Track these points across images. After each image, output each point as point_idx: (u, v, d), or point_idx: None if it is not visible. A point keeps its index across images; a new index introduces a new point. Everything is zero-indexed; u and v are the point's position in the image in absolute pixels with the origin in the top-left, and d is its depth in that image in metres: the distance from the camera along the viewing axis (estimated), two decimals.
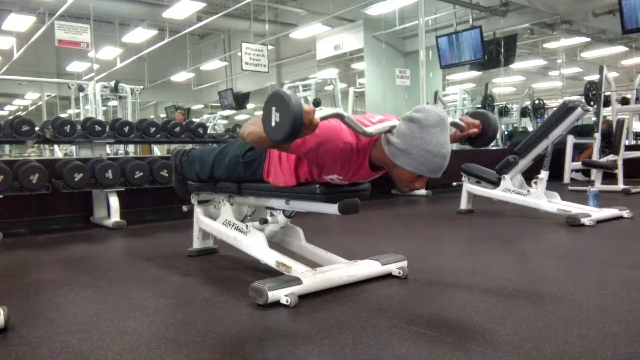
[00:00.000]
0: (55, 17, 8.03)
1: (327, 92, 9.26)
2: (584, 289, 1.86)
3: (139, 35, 11.03)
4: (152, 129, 4.55)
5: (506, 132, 9.85)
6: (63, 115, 10.19)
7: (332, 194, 1.82)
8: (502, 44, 9.14)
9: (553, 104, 10.74)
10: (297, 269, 1.91)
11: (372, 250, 2.25)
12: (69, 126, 4.10)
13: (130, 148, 7.27)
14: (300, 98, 1.44)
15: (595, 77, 6.70)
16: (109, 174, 3.83)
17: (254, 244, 2.13)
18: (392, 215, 4.46)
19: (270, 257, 2.05)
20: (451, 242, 3.11)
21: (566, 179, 6.41)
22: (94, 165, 3.88)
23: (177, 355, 1.33)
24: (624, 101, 8.32)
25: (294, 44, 12.23)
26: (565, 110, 3.60)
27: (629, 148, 6.43)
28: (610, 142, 6.19)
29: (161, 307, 1.79)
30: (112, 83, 7.00)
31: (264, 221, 2.11)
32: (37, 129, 4.18)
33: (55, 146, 8.46)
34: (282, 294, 1.71)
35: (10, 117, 6.07)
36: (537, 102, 9.80)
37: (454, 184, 4.35)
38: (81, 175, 3.72)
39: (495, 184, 3.95)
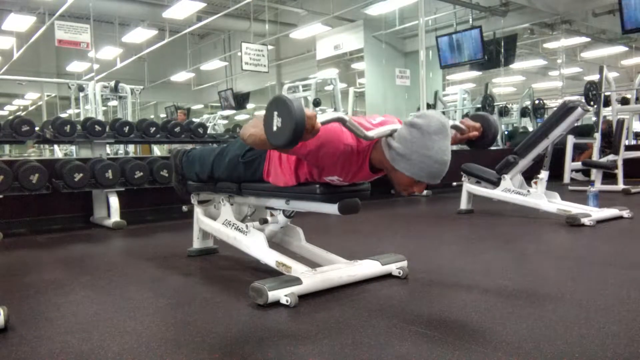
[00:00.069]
0: (55, 17, 8.03)
1: (327, 92, 9.25)
2: (584, 289, 1.86)
3: (139, 35, 11.04)
4: (152, 129, 4.55)
5: (506, 132, 9.85)
6: (63, 115, 10.17)
7: (332, 194, 1.82)
8: (502, 44, 9.14)
9: (553, 104, 10.74)
10: (297, 269, 1.91)
11: (372, 250, 2.25)
12: (69, 126, 4.10)
13: (130, 148, 7.27)
14: (300, 98, 1.44)
15: (595, 77, 6.70)
16: (109, 174, 3.83)
17: (254, 244, 2.13)
18: (392, 215, 4.46)
19: (270, 257, 2.05)
20: (451, 242, 3.11)
21: (566, 179, 6.40)
22: (94, 165, 3.88)
23: (177, 355, 1.33)
24: (624, 101, 8.32)
25: (294, 44, 12.24)
26: (565, 110, 3.60)
27: (629, 148, 6.43)
28: (610, 142, 6.19)
29: (161, 307, 1.79)
30: (112, 83, 6.99)
31: (264, 221, 2.11)
32: (37, 129, 4.18)
33: (55, 146, 8.45)
34: (282, 294, 1.71)
35: (10, 117, 6.06)
36: (537, 102, 9.80)
37: (454, 184, 4.36)
38: (81, 175, 3.72)
39: (495, 184, 3.95)
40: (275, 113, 1.42)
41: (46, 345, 1.42)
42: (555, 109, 4.08)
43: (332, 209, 1.83)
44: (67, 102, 10.23)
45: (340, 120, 1.54)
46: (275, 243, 2.26)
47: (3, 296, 1.95)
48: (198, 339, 1.44)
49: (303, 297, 1.75)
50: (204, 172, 2.30)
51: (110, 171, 3.83)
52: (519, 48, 10.77)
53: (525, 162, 3.86)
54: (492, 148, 7.55)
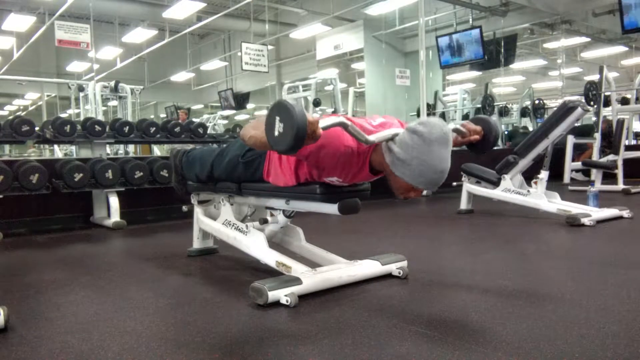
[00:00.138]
0: (55, 17, 8.03)
1: (327, 92, 9.24)
2: (584, 289, 1.86)
3: (139, 35, 11.03)
4: (152, 129, 4.55)
5: (506, 132, 9.84)
6: (63, 115, 10.17)
7: (332, 194, 1.82)
8: (502, 44, 9.14)
9: (553, 104, 10.74)
10: (297, 269, 1.91)
11: (372, 250, 2.25)
12: (69, 126, 4.10)
13: (130, 148, 7.27)
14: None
15: (595, 77, 6.70)
16: (109, 174, 3.83)
17: (254, 244, 2.13)
18: (392, 215, 4.45)
19: (270, 257, 2.05)
20: (451, 242, 3.11)
21: (566, 179, 6.40)
22: (94, 165, 3.88)
23: (177, 355, 1.33)
24: (624, 101, 8.32)
25: (294, 44, 12.23)
26: (565, 110, 3.60)
27: (629, 148, 6.43)
28: (610, 142, 6.19)
29: (161, 307, 1.79)
30: (112, 83, 6.99)
31: (264, 221, 2.11)
32: (37, 129, 4.18)
33: (55, 146, 8.45)
34: (282, 294, 1.71)
35: (10, 117, 6.07)
36: (537, 102, 9.80)
37: (454, 184, 4.35)
38: (81, 175, 3.72)
39: (495, 184, 3.95)
40: (277, 118, 1.42)
41: (46, 345, 1.42)
42: (555, 109, 4.07)
43: (332, 209, 1.83)
44: (67, 102, 10.23)
45: (342, 125, 1.54)
46: (275, 243, 2.26)
47: (3, 296, 1.96)
48: (198, 339, 1.44)
49: (303, 297, 1.75)
50: (204, 172, 2.30)
51: (110, 171, 3.83)
52: (519, 48, 10.77)
53: (525, 162, 3.86)
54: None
